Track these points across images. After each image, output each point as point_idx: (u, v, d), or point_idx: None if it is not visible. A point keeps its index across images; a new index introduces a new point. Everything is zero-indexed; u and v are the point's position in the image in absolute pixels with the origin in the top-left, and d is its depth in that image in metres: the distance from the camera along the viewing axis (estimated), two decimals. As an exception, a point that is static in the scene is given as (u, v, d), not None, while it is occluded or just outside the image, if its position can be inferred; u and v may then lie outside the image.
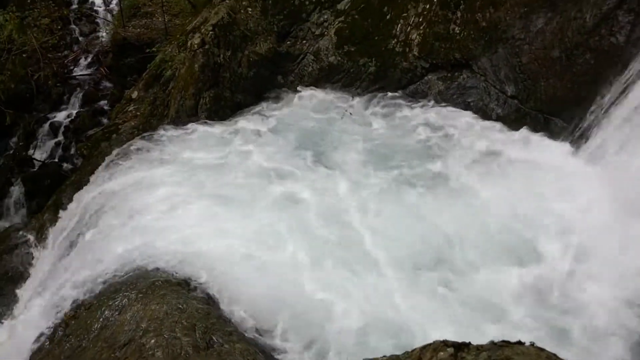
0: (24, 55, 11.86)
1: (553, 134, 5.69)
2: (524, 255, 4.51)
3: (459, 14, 6.59)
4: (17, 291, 6.40)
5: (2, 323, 6.31)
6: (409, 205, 5.16)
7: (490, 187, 5.22)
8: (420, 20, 6.89)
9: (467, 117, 6.28)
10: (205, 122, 6.87)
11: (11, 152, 11.63)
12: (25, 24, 11.27)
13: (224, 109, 7.19)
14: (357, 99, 7.19)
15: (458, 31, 6.59)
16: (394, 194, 5.34)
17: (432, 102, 6.66)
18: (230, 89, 7.28)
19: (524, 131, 5.87)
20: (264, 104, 7.20)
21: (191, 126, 6.80)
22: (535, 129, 5.83)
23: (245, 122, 6.73)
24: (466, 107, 6.45)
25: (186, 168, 5.95)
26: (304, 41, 7.70)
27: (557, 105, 5.77)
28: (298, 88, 7.52)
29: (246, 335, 4.11)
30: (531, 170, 5.30)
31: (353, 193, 5.38)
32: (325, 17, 7.58)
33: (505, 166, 5.50)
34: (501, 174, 5.42)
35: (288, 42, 7.76)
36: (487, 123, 6.19)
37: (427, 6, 6.85)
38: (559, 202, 4.82)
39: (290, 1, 7.74)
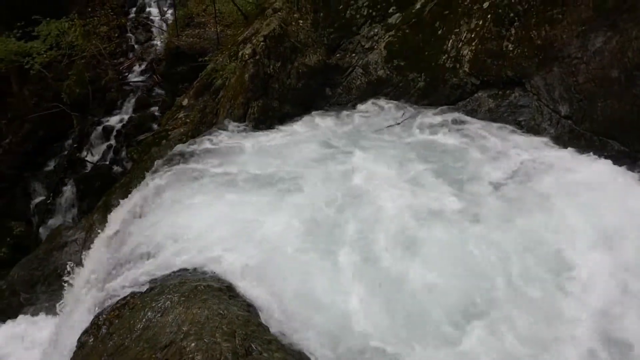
0: (82, 61, 12.37)
1: (609, 157, 5.49)
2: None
3: (513, 31, 6.48)
4: (65, 287, 6.60)
5: (49, 317, 6.53)
6: (452, 225, 5.01)
7: (539, 211, 5.00)
8: (473, 36, 6.81)
9: (518, 136, 6.13)
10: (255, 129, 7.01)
11: (66, 153, 12.12)
12: (86, 31, 11.74)
13: (271, 119, 7.28)
14: (404, 112, 7.13)
15: (511, 48, 6.47)
16: (437, 212, 5.21)
17: (481, 119, 6.57)
18: (278, 99, 7.37)
19: (576, 152, 5.69)
20: (311, 115, 7.25)
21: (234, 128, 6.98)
22: (589, 150, 5.63)
23: (297, 128, 6.81)
24: (517, 125, 6.31)
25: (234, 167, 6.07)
26: (354, 54, 7.73)
27: (614, 127, 5.56)
28: (345, 100, 7.56)
29: (285, 345, 4.09)
30: (584, 194, 5.09)
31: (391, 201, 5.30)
32: (376, 30, 7.60)
33: (555, 189, 5.29)
34: (550, 197, 5.20)
35: (337, 55, 7.81)
36: (537, 142, 6.02)
37: (480, 22, 6.77)
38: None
39: (341, 14, 7.80)
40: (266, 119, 7.25)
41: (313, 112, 7.34)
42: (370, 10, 7.66)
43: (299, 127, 6.91)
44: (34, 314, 6.80)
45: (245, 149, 6.41)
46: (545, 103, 6.17)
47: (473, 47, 6.80)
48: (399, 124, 6.81)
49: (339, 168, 5.80)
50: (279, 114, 7.37)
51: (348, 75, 7.71)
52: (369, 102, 7.49)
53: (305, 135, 6.66)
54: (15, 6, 12.07)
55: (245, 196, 5.43)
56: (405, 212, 4.99)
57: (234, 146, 6.56)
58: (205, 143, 6.64)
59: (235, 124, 7.26)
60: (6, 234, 11.24)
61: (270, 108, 7.29)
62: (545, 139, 5.99)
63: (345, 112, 7.38)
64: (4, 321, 6.68)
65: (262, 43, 7.39)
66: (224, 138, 6.69)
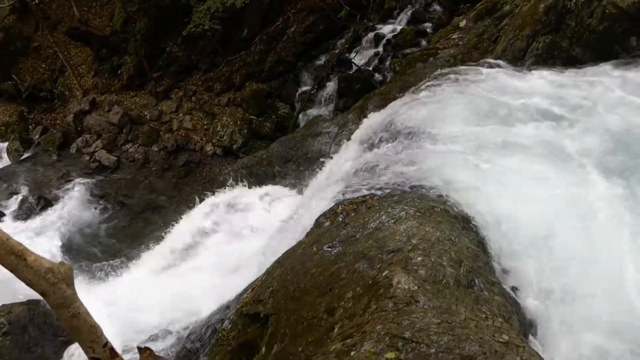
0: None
1: None
2: None
3: None
4: (313, 172, 7.27)
5: (294, 193, 7.33)
6: None
7: None
8: None
9: None
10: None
11: (336, 51, 12.93)
12: None
13: (554, 60, 6.55)
14: None
15: None
16: None
17: None
18: (570, 39, 6.54)
19: None
20: (607, 66, 6.23)
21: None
22: None
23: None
24: None
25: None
26: (683, 2, 6.36)
27: None
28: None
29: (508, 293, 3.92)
30: None
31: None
32: None
33: None
34: None
35: (662, 0, 6.51)
36: None
37: None
38: None
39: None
40: (549, 58, 6.54)
41: (606, 64, 6.30)
42: None
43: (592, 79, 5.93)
44: (283, 185, 7.70)
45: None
46: None
47: None
48: None
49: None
50: (565, 56, 6.57)
51: (666, 27, 6.42)
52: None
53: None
54: None
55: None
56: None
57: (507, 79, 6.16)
58: (477, 70, 6.37)
59: (512, 56, 6.76)
60: (273, 112, 12.80)
61: (557, 47, 6.54)
62: None
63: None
64: (259, 185, 7.70)
65: (572, -28, 6.53)
66: (500, 69, 6.32)
